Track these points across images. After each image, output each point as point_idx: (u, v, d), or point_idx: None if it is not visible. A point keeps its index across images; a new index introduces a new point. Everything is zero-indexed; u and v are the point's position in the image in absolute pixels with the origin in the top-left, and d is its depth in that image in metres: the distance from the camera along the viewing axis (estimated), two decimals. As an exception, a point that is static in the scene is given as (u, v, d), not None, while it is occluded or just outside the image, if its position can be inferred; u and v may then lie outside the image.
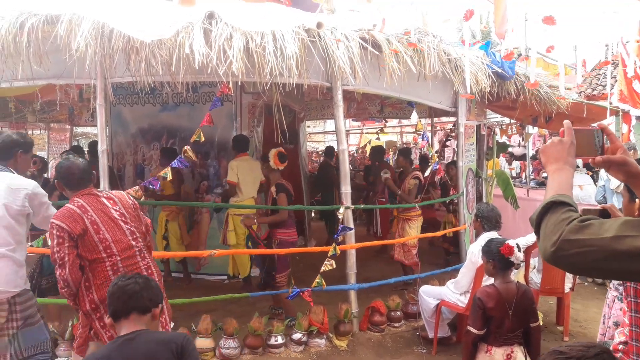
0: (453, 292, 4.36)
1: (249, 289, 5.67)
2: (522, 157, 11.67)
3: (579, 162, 7.64)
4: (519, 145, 12.11)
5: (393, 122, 13.45)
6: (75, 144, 11.01)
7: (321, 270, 4.49)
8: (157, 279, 3.01)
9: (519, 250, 3.27)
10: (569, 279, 4.82)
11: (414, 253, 5.88)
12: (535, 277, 4.97)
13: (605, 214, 1.58)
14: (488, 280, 3.95)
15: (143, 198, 4.76)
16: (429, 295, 4.52)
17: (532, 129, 9.54)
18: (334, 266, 4.51)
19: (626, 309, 1.91)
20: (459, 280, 4.31)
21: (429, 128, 9.75)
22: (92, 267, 2.90)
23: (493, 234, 4.16)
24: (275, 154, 4.79)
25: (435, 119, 10.39)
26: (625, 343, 1.97)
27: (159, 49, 3.63)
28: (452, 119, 10.87)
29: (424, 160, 7.64)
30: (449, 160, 11.51)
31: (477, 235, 4.47)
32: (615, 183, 5.72)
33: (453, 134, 8.24)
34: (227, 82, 3.76)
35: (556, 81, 6.22)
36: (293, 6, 4.91)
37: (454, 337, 4.60)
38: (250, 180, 5.57)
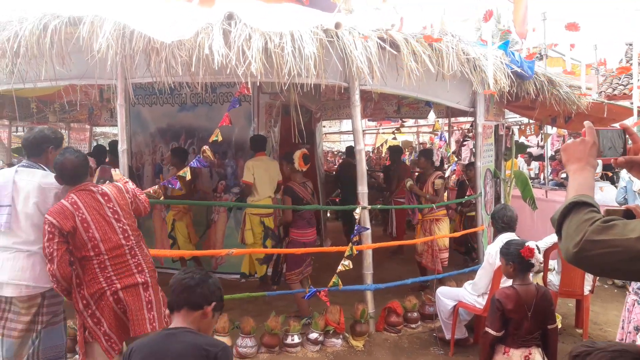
0: (471, 294, 4.34)
1: (266, 288, 5.70)
2: (541, 158, 11.54)
3: (599, 165, 7.56)
4: (538, 145, 11.98)
5: (409, 121, 13.39)
6: (96, 143, 11.14)
7: (337, 271, 4.49)
8: (148, 276, 3.04)
9: (539, 252, 3.24)
10: (588, 281, 4.76)
11: (445, 257, 5.74)
12: (554, 279, 4.91)
13: (629, 214, 1.56)
14: (506, 282, 3.92)
15: (162, 197, 4.82)
16: (446, 296, 4.50)
17: (551, 129, 9.43)
18: (351, 266, 4.51)
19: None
20: (477, 282, 4.28)
21: (446, 128, 9.69)
22: (82, 264, 2.94)
23: (510, 235, 4.13)
24: (300, 155, 4.82)
25: (453, 119, 10.32)
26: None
27: (178, 49, 3.66)
28: (469, 118, 10.80)
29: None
30: (467, 161, 11.45)
31: (495, 236, 4.44)
32: (638, 184, 5.62)
33: (470, 134, 8.17)
34: (246, 83, 3.78)
35: (577, 81, 6.14)
36: (311, 6, 4.93)
37: (471, 338, 4.57)
38: (267, 180, 5.60)
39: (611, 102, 7.57)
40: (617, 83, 11.05)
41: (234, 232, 6.50)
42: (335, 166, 14.16)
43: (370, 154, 15.01)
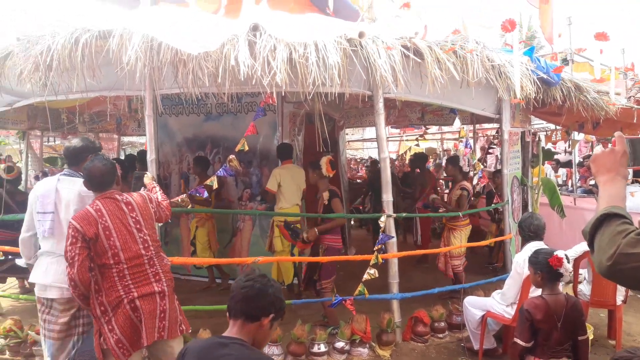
0: (499, 303, 4.27)
1: (292, 296, 5.72)
2: (568, 164, 11.31)
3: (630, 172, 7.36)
4: (565, 152, 11.76)
5: (433, 128, 13.31)
6: (125, 153, 11.37)
7: (363, 279, 4.48)
8: (165, 285, 3.07)
9: (568, 262, 3.18)
10: (620, 291, 4.64)
11: (457, 264, 5.80)
12: (585, 289, 4.81)
13: None
14: (535, 292, 3.85)
15: (190, 206, 4.89)
16: (474, 306, 4.44)
17: (578, 136, 9.25)
18: (377, 275, 4.49)
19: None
20: (505, 292, 4.21)
21: (471, 135, 9.60)
22: (101, 271, 2.98)
23: (538, 244, 4.07)
24: (327, 161, 4.86)
25: (477, 126, 10.22)
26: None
27: (205, 61, 3.73)
28: (494, 125, 10.67)
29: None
30: (492, 168, 11.30)
31: (523, 245, 4.37)
32: (670, 191, 5.47)
33: (496, 141, 8.08)
34: (271, 93, 3.82)
35: (605, 86, 6.02)
36: (334, 16, 4.96)
37: (500, 348, 4.50)
38: (294, 187, 5.64)
39: (641, 107, 7.38)
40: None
41: (259, 239, 6.54)
42: (359, 173, 14.16)
43: (395, 162, 14.96)
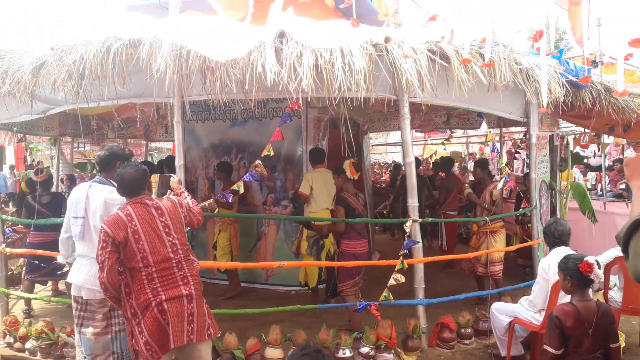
0: (527, 310, 4.21)
1: (317, 301, 5.73)
2: (598, 168, 11.08)
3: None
4: (594, 155, 11.52)
5: (458, 132, 13.20)
6: (151, 158, 11.56)
7: (389, 285, 4.47)
8: (193, 288, 3.10)
9: (599, 268, 3.12)
10: (653, 298, 4.53)
11: (498, 269, 5.71)
12: (616, 295, 4.70)
13: None
14: (564, 298, 3.79)
15: (217, 210, 4.95)
16: (502, 312, 4.38)
17: (608, 139, 9.05)
18: (402, 280, 4.47)
19: None
20: (533, 299, 4.14)
21: (497, 138, 9.48)
22: (131, 274, 3.05)
23: (563, 249, 4.01)
24: (350, 164, 4.89)
25: (503, 129, 10.09)
26: None
27: (232, 68, 3.78)
28: (521, 128, 10.51)
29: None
30: (519, 172, 11.13)
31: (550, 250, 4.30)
32: None
33: (523, 145, 7.96)
34: (297, 99, 3.85)
35: (636, 88, 5.89)
36: (360, 21, 4.96)
37: (528, 355, 4.43)
38: (325, 191, 5.67)
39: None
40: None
41: (283, 244, 6.59)
42: (382, 178, 14.11)
43: (420, 166, 14.88)
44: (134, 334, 3.07)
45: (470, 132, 12.98)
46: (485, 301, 5.29)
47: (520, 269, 6.89)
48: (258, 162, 4.36)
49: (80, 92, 4.21)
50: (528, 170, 6.10)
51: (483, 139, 13.35)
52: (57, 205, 5.95)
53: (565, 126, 8.94)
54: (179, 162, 4.38)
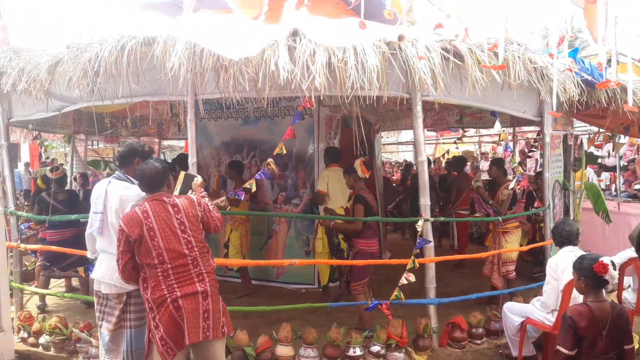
0: (539, 310, 4.18)
1: (327, 299, 5.74)
2: (613, 168, 10.97)
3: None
4: (609, 155, 11.40)
5: (470, 131, 13.12)
6: (162, 157, 11.63)
7: (400, 284, 4.46)
8: (208, 285, 3.11)
9: (614, 268, 3.09)
10: (669, 299, 4.48)
11: (511, 269, 5.69)
12: (630, 297, 4.66)
13: None
14: (577, 298, 3.76)
15: (229, 208, 4.97)
16: (513, 312, 4.36)
17: (623, 139, 8.94)
18: (414, 279, 4.46)
19: None
20: (545, 300, 4.11)
21: (511, 137, 9.42)
22: (148, 270, 3.08)
23: (572, 248, 4.00)
24: (361, 162, 4.88)
25: (516, 128, 10.02)
26: None
27: (246, 66, 3.79)
28: (534, 128, 10.41)
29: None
30: (532, 172, 11.04)
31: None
32: None
33: (536, 144, 7.90)
34: (310, 97, 3.85)
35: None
36: (371, 19, 4.96)
37: (539, 356, 4.40)
38: (340, 190, 5.68)
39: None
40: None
41: (294, 242, 6.61)
42: (394, 177, 14.08)
43: (431, 165, 14.82)
44: (150, 328, 3.11)
45: (483, 131, 12.91)
46: (497, 301, 5.26)
47: (529, 265, 6.87)
48: (270, 160, 4.37)
49: (95, 89, 4.25)
50: (541, 170, 6.06)
51: (495, 138, 13.26)
52: (73, 202, 6.02)
53: (579, 126, 8.85)
54: (191, 159, 4.41)
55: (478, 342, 4.77)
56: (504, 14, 3.43)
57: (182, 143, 13.20)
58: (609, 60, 7.73)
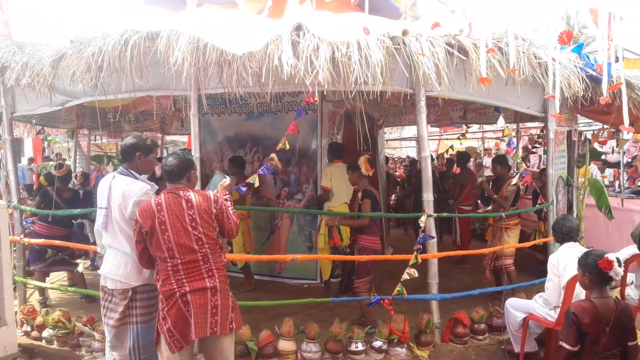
0: (542, 306, 4.18)
1: (329, 294, 5.75)
2: (616, 165, 10.93)
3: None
4: (613, 151, 11.37)
5: (473, 127, 13.08)
6: (164, 152, 11.61)
7: (402, 279, 4.46)
8: (218, 281, 3.10)
9: (619, 265, 3.08)
10: (672, 296, 4.47)
11: (509, 262, 5.69)
12: (633, 293, 4.65)
13: None
14: (579, 294, 3.75)
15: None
16: (516, 308, 4.36)
17: (627, 135, 8.90)
18: (416, 275, 4.46)
19: None
20: (547, 297, 4.10)
21: (514, 133, 9.39)
22: (159, 262, 3.10)
23: (572, 245, 4.01)
24: (365, 160, 4.87)
25: (520, 124, 10.00)
26: None
27: (249, 61, 3.78)
28: (537, 124, 10.38)
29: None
30: (535, 168, 11.01)
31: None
32: None
33: (540, 140, 7.87)
34: (313, 92, 3.84)
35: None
36: (375, 14, 4.94)
37: (542, 352, 4.40)
38: (344, 186, 5.68)
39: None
40: None
41: (297, 237, 6.61)
42: (397, 173, 14.05)
43: (434, 162, 14.79)
44: (158, 318, 3.12)
45: (486, 127, 12.88)
46: (499, 297, 5.26)
47: (538, 264, 6.85)
48: (273, 155, 4.37)
49: (99, 84, 4.24)
50: (545, 166, 6.04)
51: (499, 134, 13.22)
52: (76, 201, 6.03)
53: (584, 122, 8.82)
54: (194, 154, 4.40)
55: (480, 337, 4.77)
56: (505, 12, 3.42)
57: (185, 138, 13.18)
58: (617, 59, 7.68)
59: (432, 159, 10.44)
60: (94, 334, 4.57)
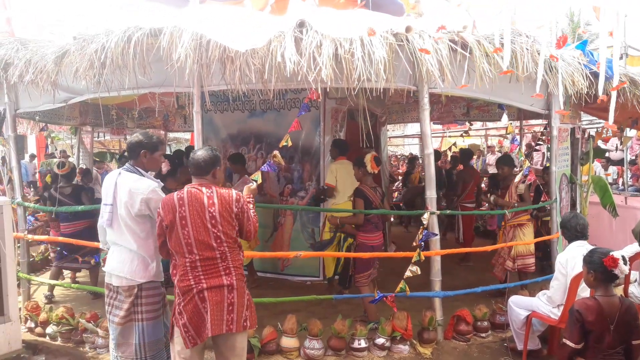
0: (545, 304, 4.17)
1: (332, 291, 5.75)
2: (620, 162, 10.90)
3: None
4: (616, 149, 11.33)
5: (476, 124, 13.06)
6: (177, 148, 11.62)
7: (405, 277, 4.45)
8: (234, 279, 3.08)
9: (625, 263, 3.06)
10: (676, 294, 4.45)
11: (530, 262, 5.63)
12: (636, 291, 4.63)
13: None
14: (583, 292, 3.74)
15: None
16: (519, 305, 4.36)
17: (630, 132, 8.88)
18: (419, 272, 4.45)
19: None
20: (551, 295, 4.09)
21: (517, 131, 9.36)
22: (177, 258, 3.08)
23: (581, 243, 3.98)
24: (372, 158, 4.86)
25: (523, 122, 9.97)
26: None
27: (252, 57, 3.77)
28: (541, 121, 10.35)
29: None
30: (539, 165, 10.99)
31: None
32: None
33: (543, 137, 7.85)
34: (316, 89, 3.83)
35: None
36: (378, 10, 4.93)
37: (545, 350, 4.40)
38: (349, 183, 5.66)
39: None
40: None
41: (300, 234, 6.61)
42: (399, 170, 14.04)
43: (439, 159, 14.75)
44: (174, 312, 3.12)
45: (489, 124, 12.85)
46: (503, 294, 5.25)
47: (537, 259, 6.85)
48: (276, 152, 4.36)
49: (102, 81, 4.24)
50: (548, 164, 6.02)
51: (502, 132, 13.19)
52: (78, 196, 6.04)
53: (588, 119, 8.79)
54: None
55: (483, 335, 4.77)
56: (507, 11, 3.40)
57: (188, 135, 13.22)
58: (621, 56, 7.65)
59: (439, 156, 10.45)
60: (97, 330, 4.58)
